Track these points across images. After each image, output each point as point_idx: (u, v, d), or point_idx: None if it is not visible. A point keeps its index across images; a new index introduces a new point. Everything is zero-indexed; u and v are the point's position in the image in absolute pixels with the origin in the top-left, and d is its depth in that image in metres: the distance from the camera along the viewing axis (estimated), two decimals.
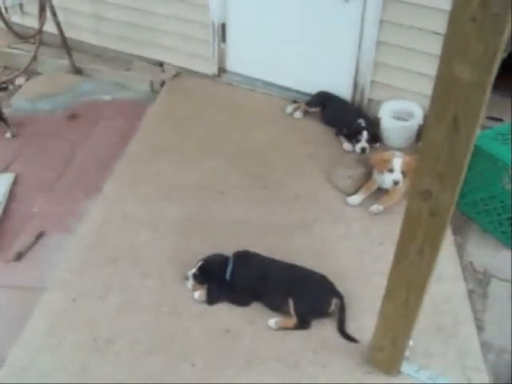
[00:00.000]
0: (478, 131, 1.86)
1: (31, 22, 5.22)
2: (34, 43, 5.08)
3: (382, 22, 4.05)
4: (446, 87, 1.71)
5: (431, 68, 4.01)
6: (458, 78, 1.67)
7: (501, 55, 1.63)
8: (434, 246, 2.06)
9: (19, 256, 3.37)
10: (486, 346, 2.89)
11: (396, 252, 2.19)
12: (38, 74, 5.31)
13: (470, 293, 3.17)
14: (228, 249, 3.19)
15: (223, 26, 4.73)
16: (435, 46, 3.84)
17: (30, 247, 3.45)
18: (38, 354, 2.79)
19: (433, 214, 1.97)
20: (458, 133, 1.76)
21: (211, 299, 3.03)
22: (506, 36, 1.56)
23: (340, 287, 3.01)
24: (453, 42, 1.64)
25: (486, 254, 3.44)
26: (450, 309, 3.03)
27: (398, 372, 2.68)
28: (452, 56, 1.66)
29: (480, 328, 2.97)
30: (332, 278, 3.04)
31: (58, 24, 4.98)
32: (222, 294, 3.05)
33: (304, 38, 4.49)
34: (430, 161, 1.86)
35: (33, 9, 5.13)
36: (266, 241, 3.39)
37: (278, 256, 3.18)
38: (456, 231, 3.55)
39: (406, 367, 2.69)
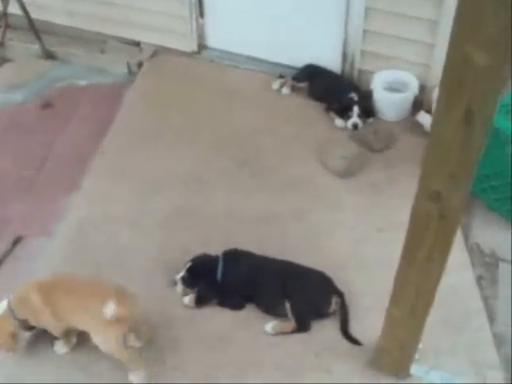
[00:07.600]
0: None
1: None
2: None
3: None
4: (457, 74, 1.47)
5: (425, 34, 3.80)
6: (472, 63, 1.41)
7: None
8: (444, 250, 1.87)
9: None
10: (498, 339, 2.72)
11: (402, 257, 1.99)
12: (7, 60, 5.00)
13: (479, 279, 3.01)
14: (217, 245, 3.04)
15: (200, 0, 4.44)
16: (428, 10, 3.62)
17: (7, 255, 3.25)
18: (20, 368, 2.68)
19: (443, 216, 1.76)
20: (471, 126, 1.53)
21: (200, 300, 2.85)
22: None
23: (339, 281, 2.87)
24: (464, 19, 1.38)
25: (492, 234, 3.27)
26: (458, 299, 2.87)
27: (408, 374, 2.52)
28: (464, 36, 1.41)
29: (491, 318, 2.80)
30: (330, 270, 2.89)
31: (21, 5, 4.66)
32: (212, 297, 2.87)
33: (287, 7, 4.23)
34: (439, 159, 1.63)
35: None
36: (256, 233, 3.23)
37: (271, 249, 3.03)
38: None
39: (415, 369, 2.56)
